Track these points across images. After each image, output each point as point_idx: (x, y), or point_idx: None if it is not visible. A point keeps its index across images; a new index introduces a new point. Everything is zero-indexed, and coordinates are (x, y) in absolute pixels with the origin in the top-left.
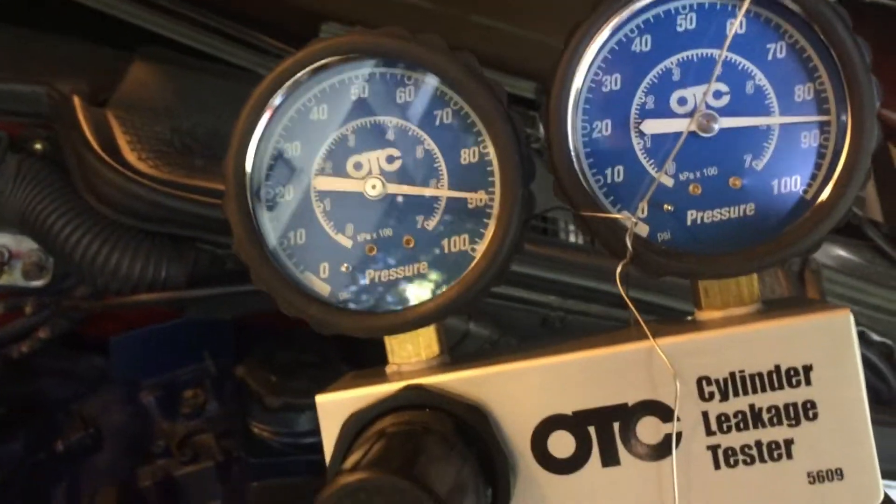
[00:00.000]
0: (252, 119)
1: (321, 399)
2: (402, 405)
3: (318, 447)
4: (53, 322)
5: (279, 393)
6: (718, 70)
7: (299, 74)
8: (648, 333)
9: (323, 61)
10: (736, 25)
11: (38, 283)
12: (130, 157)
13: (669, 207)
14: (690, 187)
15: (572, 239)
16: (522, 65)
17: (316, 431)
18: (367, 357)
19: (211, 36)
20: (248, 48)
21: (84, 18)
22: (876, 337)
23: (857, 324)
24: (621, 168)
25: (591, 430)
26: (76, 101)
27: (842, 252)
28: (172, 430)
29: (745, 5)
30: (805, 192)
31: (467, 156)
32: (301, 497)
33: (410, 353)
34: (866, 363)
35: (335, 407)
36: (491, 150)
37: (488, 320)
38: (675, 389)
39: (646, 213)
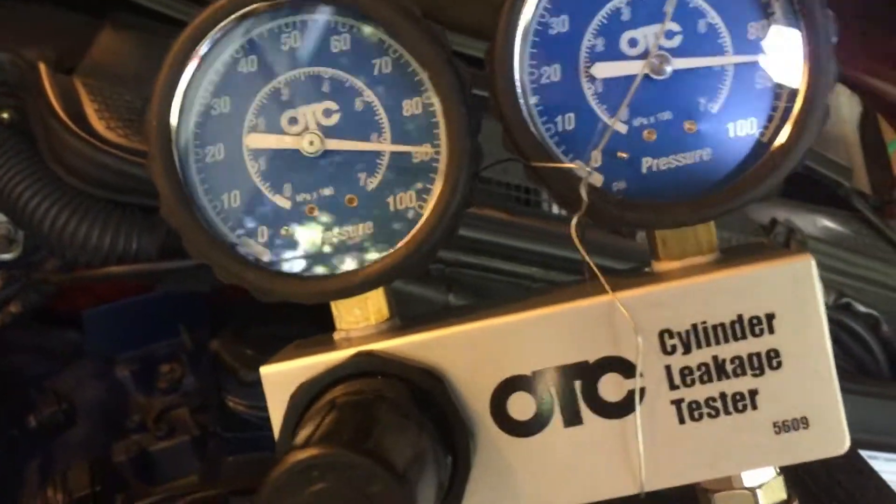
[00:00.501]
0: (175, 71)
1: (266, 370)
2: (352, 373)
3: None
4: (24, 296)
5: (254, 367)
6: (670, 9)
7: (224, 22)
8: (607, 287)
9: (249, 7)
10: None
11: (7, 257)
12: (98, 125)
13: (624, 155)
14: (645, 133)
15: (556, 210)
16: (475, 25)
17: None
18: None
19: (184, 2)
20: None
21: None
22: (862, 308)
23: (843, 295)
24: (572, 115)
25: (552, 389)
26: (42, 68)
27: (828, 223)
28: (149, 405)
29: None
30: (762, 134)
31: (410, 107)
32: None
33: (359, 317)
34: (853, 334)
35: (281, 378)
36: (435, 100)
37: (470, 293)
38: (637, 344)
39: (599, 162)
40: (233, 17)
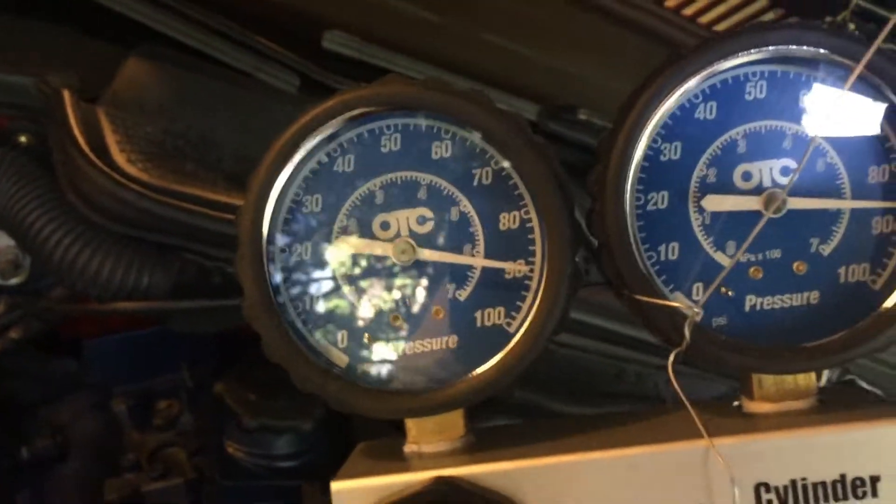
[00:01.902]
0: (274, 171)
1: (337, 487)
2: (431, 501)
3: (293, 472)
4: (26, 323)
5: (257, 413)
6: (810, 150)
7: (329, 124)
8: (704, 433)
9: (357, 111)
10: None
11: (12, 282)
12: (119, 158)
13: (727, 291)
14: (751, 270)
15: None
16: (529, 86)
17: (292, 455)
18: None
19: (210, 36)
20: (249, 51)
21: (79, 10)
22: (865, 385)
23: (847, 371)
24: (676, 245)
25: None
26: (66, 95)
27: None
28: (143, 442)
29: (851, 80)
30: (873, 281)
31: (507, 221)
32: None
33: (433, 433)
34: None
35: (353, 498)
36: (533, 216)
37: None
38: (732, 496)
39: (701, 296)
40: (333, 121)
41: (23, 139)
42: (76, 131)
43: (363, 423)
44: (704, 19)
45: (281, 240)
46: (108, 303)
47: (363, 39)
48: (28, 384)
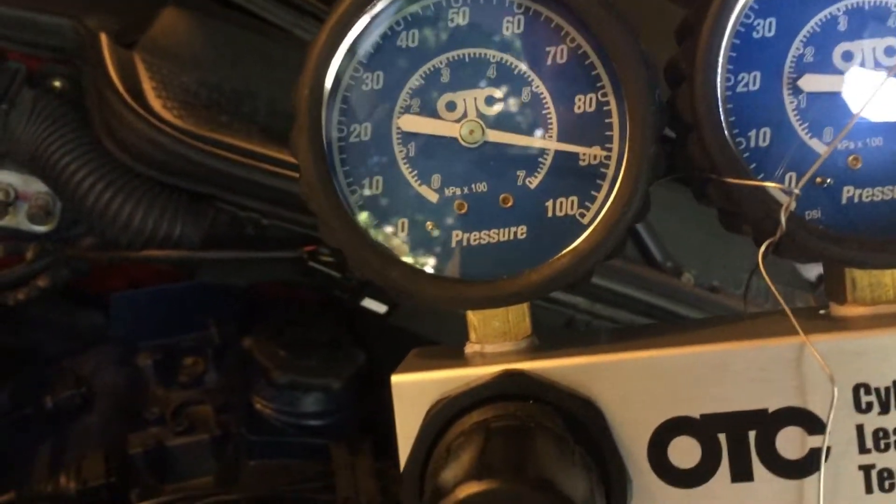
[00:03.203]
0: (334, 40)
1: (398, 379)
2: (500, 394)
3: (321, 430)
4: (55, 271)
5: (287, 369)
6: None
7: None
8: (798, 327)
9: None
10: None
11: (42, 229)
12: (155, 103)
13: (824, 181)
14: (849, 159)
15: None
16: None
17: (320, 414)
18: (382, 343)
19: None
20: (286, 6)
21: None
22: None
23: None
24: (768, 130)
25: (722, 437)
26: (103, 38)
27: None
28: (167, 398)
29: None
30: None
31: (582, 103)
32: (299, 481)
33: (497, 331)
34: None
35: (416, 390)
36: (612, 98)
37: None
38: (830, 396)
39: (794, 185)
40: None
41: (56, 83)
42: (113, 74)
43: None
44: None
45: (338, 118)
46: (139, 251)
47: None
48: (53, 335)
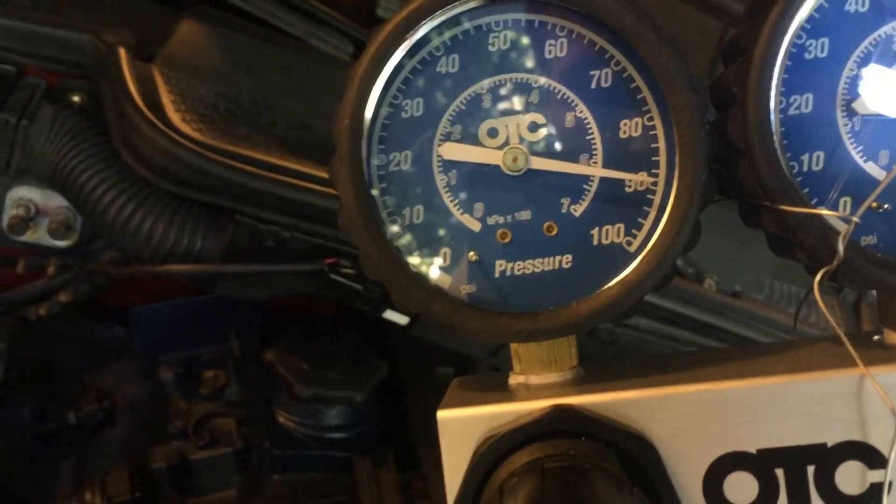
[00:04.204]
0: (377, 65)
1: (444, 415)
2: (551, 431)
3: (343, 443)
4: (76, 286)
5: (310, 382)
6: None
7: (434, 14)
8: (858, 360)
9: (464, 5)
10: None
11: (63, 244)
12: (174, 117)
13: (881, 206)
14: None
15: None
16: None
17: (343, 427)
18: (404, 355)
19: (265, 0)
20: (304, 17)
21: None
22: None
23: None
24: (821, 154)
25: (780, 472)
26: (122, 52)
27: None
28: (189, 411)
29: None
30: None
31: (628, 128)
32: (322, 495)
33: (542, 361)
34: None
35: (463, 426)
36: (658, 123)
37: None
38: (892, 429)
39: (849, 210)
40: (444, 9)
41: (75, 98)
42: (132, 89)
43: (417, 398)
44: None
45: (378, 147)
46: (160, 265)
47: None
48: (75, 349)
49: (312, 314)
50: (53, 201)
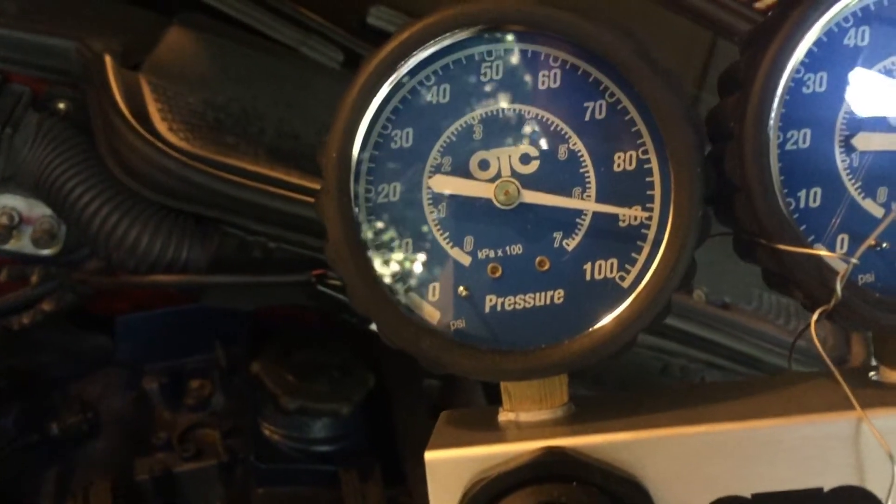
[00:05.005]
0: (365, 97)
1: (432, 456)
2: (542, 475)
3: (330, 457)
4: (59, 295)
5: (296, 395)
6: None
7: (422, 48)
8: (855, 404)
9: (456, 32)
10: None
11: (47, 252)
12: (161, 126)
13: (879, 245)
14: None
15: None
16: None
17: (329, 440)
18: (391, 366)
19: (255, 7)
20: (293, 25)
21: None
22: None
23: None
24: (818, 190)
25: None
26: (108, 60)
27: None
28: (174, 421)
29: None
30: None
31: (622, 161)
32: None
33: (532, 399)
34: None
35: (451, 467)
36: (652, 156)
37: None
38: (890, 474)
39: (846, 248)
40: (435, 39)
41: (60, 106)
42: (118, 97)
43: (404, 410)
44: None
45: (365, 179)
46: (145, 275)
47: (408, 15)
48: (59, 358)
49: (300, 322)
50: (37, 210)
